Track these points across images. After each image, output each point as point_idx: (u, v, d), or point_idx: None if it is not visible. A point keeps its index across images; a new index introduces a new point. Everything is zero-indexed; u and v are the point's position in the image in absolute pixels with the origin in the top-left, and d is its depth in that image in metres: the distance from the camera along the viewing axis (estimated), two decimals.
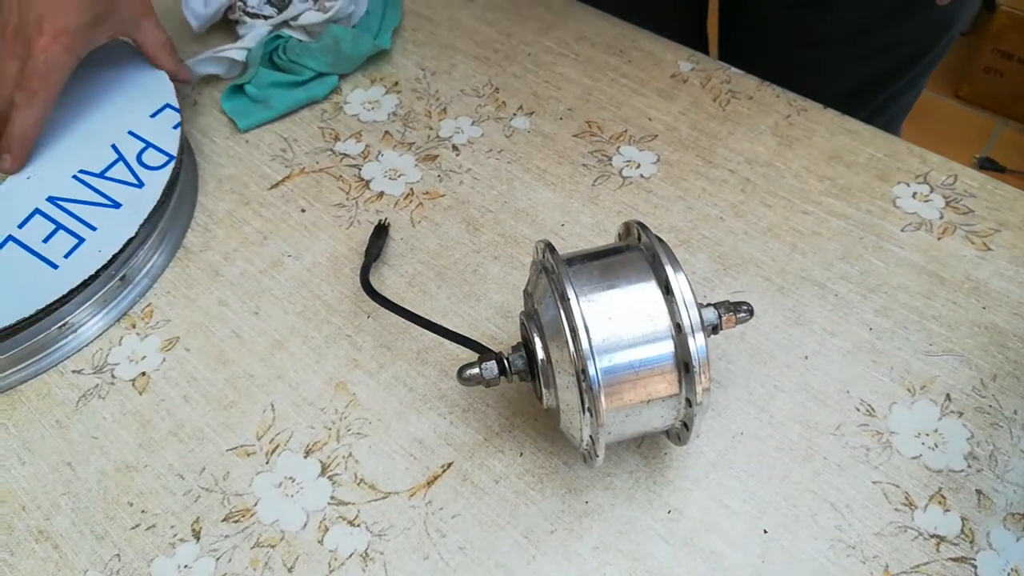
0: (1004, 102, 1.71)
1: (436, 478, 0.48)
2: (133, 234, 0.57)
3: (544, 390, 0.44)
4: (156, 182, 0.60)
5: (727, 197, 0.61)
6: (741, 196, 0.61)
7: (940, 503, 0.45)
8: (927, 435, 0.48)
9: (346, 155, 0.67)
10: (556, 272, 0.42)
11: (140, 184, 0.60)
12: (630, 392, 0.41)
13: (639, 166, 0.64)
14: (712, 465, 0.48)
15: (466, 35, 0.76)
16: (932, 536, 0.44)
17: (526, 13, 0.77)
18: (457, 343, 0.49)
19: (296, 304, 0.57)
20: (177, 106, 0.65)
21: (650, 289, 0.42)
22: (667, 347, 0.41)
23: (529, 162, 0.65)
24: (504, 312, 0.56)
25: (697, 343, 0.40)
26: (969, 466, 0.46)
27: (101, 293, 0.56)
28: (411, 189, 0.64)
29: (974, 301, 0.54)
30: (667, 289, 0.41)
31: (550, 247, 0.43)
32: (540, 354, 0.43)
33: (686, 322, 0.40)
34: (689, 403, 0.41)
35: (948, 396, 0.49)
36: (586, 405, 0.40)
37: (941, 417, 0.48)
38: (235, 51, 0.72)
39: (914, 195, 0.59)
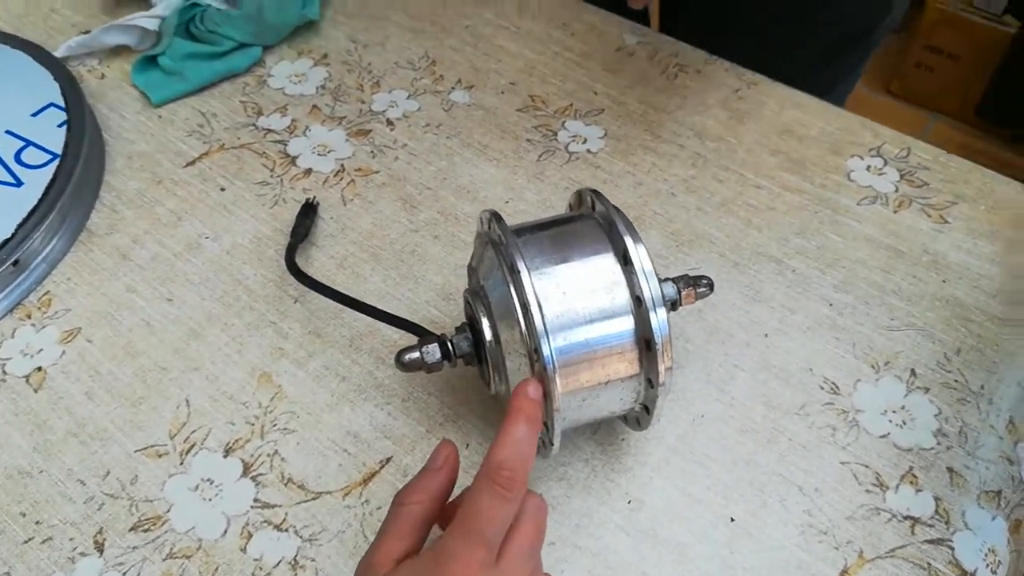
0: (935, 97, 1.75)
1: (373, 475, 0.44)
2: (10, 233, 0.51)
3: (492, 374, 0.40)
4: (37, 181, 0.54)
5: (678, 172, 0.58)
6: (692, 171, 0.58)
7: (912, 483, 0.43)
8: (894, 412, 0.46)
9: (270, 130, 0.62)
10: (504, 243, 0.38)
11: (18, 183, 0.54)
12: (587, 373, 0.37)
13: (585, 141, 0.60)
14: (672, 451, 0.44)
15: (399, 7, 0.71)
16: (906, 518, 0.42)
17: None
18: (395, 326, 0.45)
19: (214, 289, 0.52)
20: (63, 105, 0.59)
21: (607, 260, 0.38)
22: (627, 323, 0.37)
23: (470, 137, 0.61)
24: (446, 294, 0.52)
25: (659, 318, 0.36)
26: (939, 443, 0.44)
27: None
28: (342, 165, 0.59)
29: (933, 275, 0.52)
30: (625, 260, 0.37)
31: (496, 216, 0.39)
32: (487, 334, 0.39)
33: (647, 295, 0.36)
34: (651, 383, 0.38)
35: (913, 372, 0.47)
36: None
37: (907, 393, 0.46)
38: (146, 20, 0.66)
39: (868, 168, 0.58)
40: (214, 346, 0.49)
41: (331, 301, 0.50)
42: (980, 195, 0.56)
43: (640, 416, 0.40)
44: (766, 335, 0.49)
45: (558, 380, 0.36)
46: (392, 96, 0.64)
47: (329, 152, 0.60)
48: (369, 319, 0.50)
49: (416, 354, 0.40)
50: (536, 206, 0.56)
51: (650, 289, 0.36)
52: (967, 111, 1.73)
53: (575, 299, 0.37)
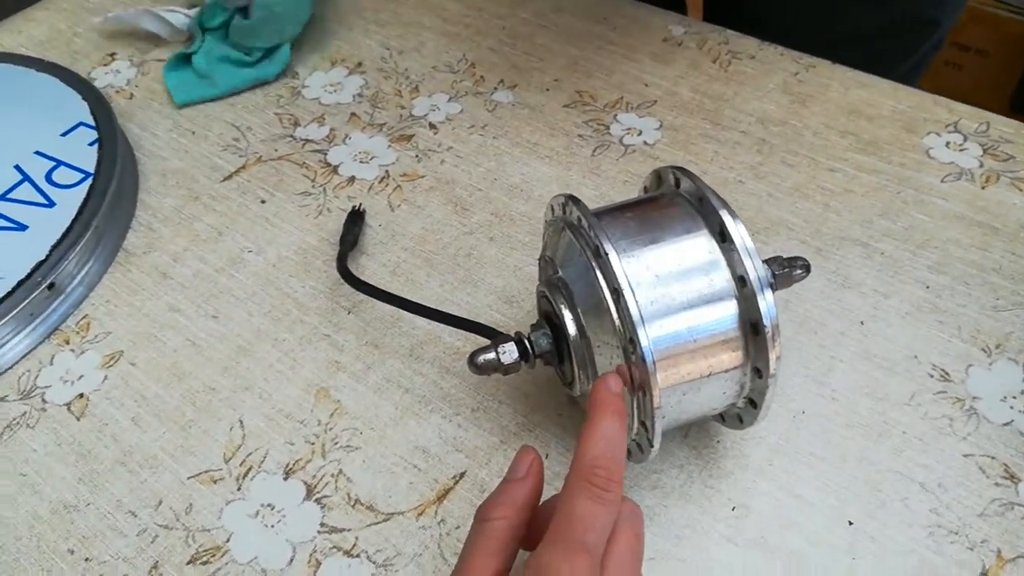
0: (967, 95, 1.70)
1: (447, 491, 0.40)
2: (44, 255, 0.48)
3: (577, 373, 0.36)
4: (70, 201, 0.52)
5: (743, 159, 0.55)
6: (759, 157, 0.55)
7: None
8: (1014, 398, 0.41)
9: (308, 140, 0.59)
10: (586, 225, 0.34)
11: (50, 203, 0.52)
12: (688, 364, 0.34)
13: (641, 133, 0.57)
14: (775, 451, 0.40)
15: (432, 12, 0.69)
16: None
17: None
18: (461, 329, 0.41)
19: (262, 304, 0.49)
20: (93, 124, 0.57)
21: (702, 239, 0.34)
22: (730, 307, 0.34)
23: (518, 136, 0.58)
24: (507, 297, 0.48)
25: (767, 300, 0.33)
26: None
27: (24, 305, 0.47)
28: (386, 172, 0.56)
29: None
30: (723, 237, 0.34)
31: (573, 199, 0.36)
32: (570, 328, 0.35)
33: (752, 275, 0.33)
34: (758, 373, 0.34)
35: None
36: (637, 383, 0.33)
37: None
38: (176, 16, 0.65)
39: (947, 145, 0.54)
40: (265, 363, 0.46)
41: (386, 310, 0.47)
42: None
43: (743, 412, 0.36)
44: (861, 323, 0.45)
45: (658, 373, 0.32)
46: (432, 100, 0.61)
47: (372, 159, 0.57)
48: (428, 326, 0.46)
49: (491, 355, 0.37)
50: (595, 201, 0.53)
51: (755, 268, 0.33)
52: (1002, 107, 1.69)
53: (670, 283, 0.33)
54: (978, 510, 0.38)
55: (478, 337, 0.40)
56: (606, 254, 0.32)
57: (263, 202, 0.55)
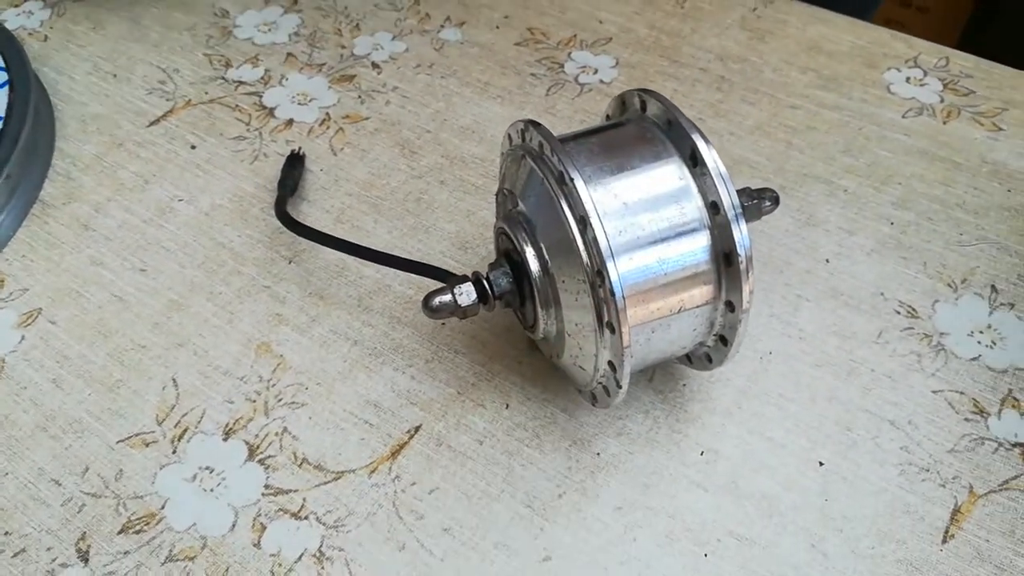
0: None
1: (402, 446, 0.37)
2: None
3: (540, 312, 0.34)
4: None
5: (703, 97, 0.52)
6: (719, 95, 0.53)
7: (1015, 406, 0.38)
8: (981, 332, 0.41)
9: (242, 82, 0.55)
10: (549, 151, 0.32)
11: None
12: (658, 300, 0.32)
13: (596, 71, 0.54)
14: (742, 393, 0.39)
15: None
16: (1015, 445, 0.37)
17: None
18: (413, 272, 0.38)
19: (195, 255, 0.45)
20: (2, 65, 0.51)
21: (671, 166, 0.32)
22: (701, 238, 0.31)
23: (467, 75, 0.55)
24: (461, 243, 0.45)
25: (742, 229, 0.31)
26: None
27: None
28: (327, 114, 0.53)
29: (996, 184, 0.47)
30: (694, 162, 0.32)
31: (534, 123, 0.33)
32: (532, 265, 0.33)
33: (726, 201, 0.31)
34: (730, 307, 0.32)
35: (993, 287, 0.42)
36: (605, 320, 0.30)
37: (992, 311, 0.41)
38: None
39: (908, 80, 0.53)
40: (200, 318, 0.42)
41: (331, 259, 0.44)
42: None
43: (712, 351, 0.35)
44: (827, 260, 0.44)
45: (627, 308, 0.30)
46: (375, 39, 0.57)
47: (311, 100, 0.53)
48: (377, 274, 0.44)
49: (447, 296, 0.34)
50: None
51: (729, 194, 0.31)
52: None
53: (639, 211, 0.31)
54: (948, 446, 0.37)
55: (431, 284, 0.37)
56: (571, 180, 0.30)
57: (193, 148, 0.51)
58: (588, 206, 0.29)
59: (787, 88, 0.53)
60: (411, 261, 0.39)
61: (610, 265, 0.29)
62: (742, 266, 0.31)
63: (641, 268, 0.31)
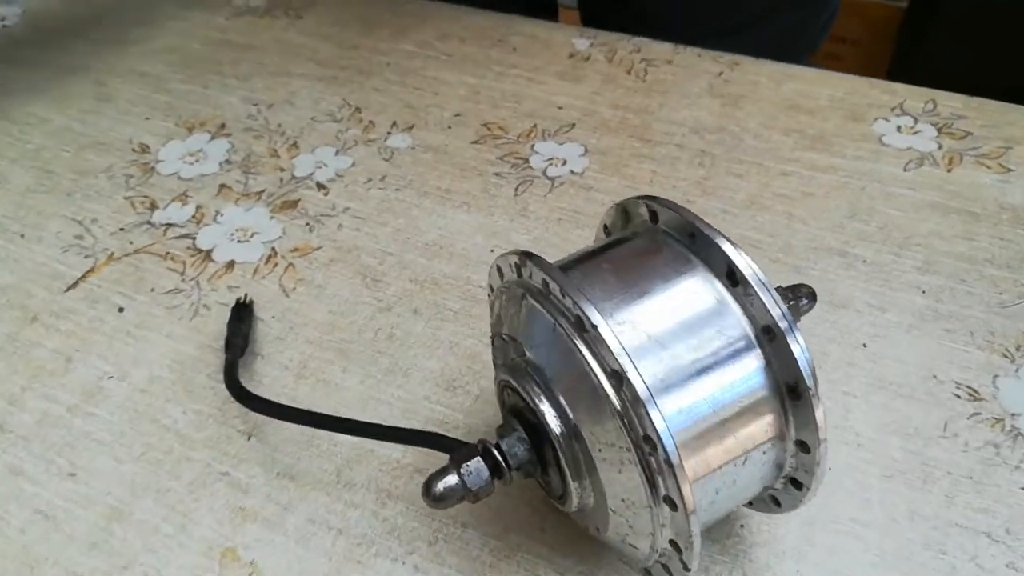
0: None
1: None
2: None
3: (572, 484, 0.27)
4: None
5: (685, 175, 0.48)
6: (701, 171, 0.48)
7: None
8: None
9: (171, 224, 0.48)
10: (558, 291, 0.26)
11: None
12: (717, 449, 0.25)
13: (565, 162, 0.50)
14: (809, 524, 0.33)
15: (301, 56, 0.60)
16: None
17: (371, 20, 0.62)
18: (401, 443, 0.32)
19: (133, 446, 0.38)
20: None
21: (703, 283, 0.27)
22: (752, 361, 0.26)
23: (425, 184, 0.49)
24: (447, 382, 0.39)
25: (802, 348, 0.25)
26: None
27: None
28: (272, 249, 0.46)
29: (1021, 231, 0.43)
30: (731, 279, 0.26)
31: (529, 255, 0.27)
32: (554, 427, 0.27)
33: (780, 321, 0.25)
34: (804, 447, 0.26)
35: None
36: (662, 494, 0.24)
37: None
38: None
39: (899, 129, 0.49)
40: (147, 527, 0.35)
41: (298, 427, 0.37)
42: None
43: (781, 494, 0.29)
44: (864, 345, 0.39)
45: (687, 470, 0.24)
46: (316, 156, 0.52)
47: (252, 236, 0.47)
48: (355, 438, 0.37)
49: (453, 479, 0.28)
50: (531, 248, 0.44)
51: (780, 311, 0.25)
52: None
53: (676, 347, 0.25)
54: None
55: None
56: (594, 327, 0.24)
57: (121, 310, 0.44)
58: (622, 359, 0.23)
59: (773, 154, 0.48)
60: (396, 429, 0.32)
61: (661, 428, 0.23)
62: (811, 393, 0.25)
63: (692, 418, 0.25)
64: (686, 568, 0.25)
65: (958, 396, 0.36)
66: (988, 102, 0.50)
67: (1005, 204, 0.44)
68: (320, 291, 0.44)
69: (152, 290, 0.45)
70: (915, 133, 0.49)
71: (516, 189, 0.48)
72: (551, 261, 0.28)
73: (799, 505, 0.28)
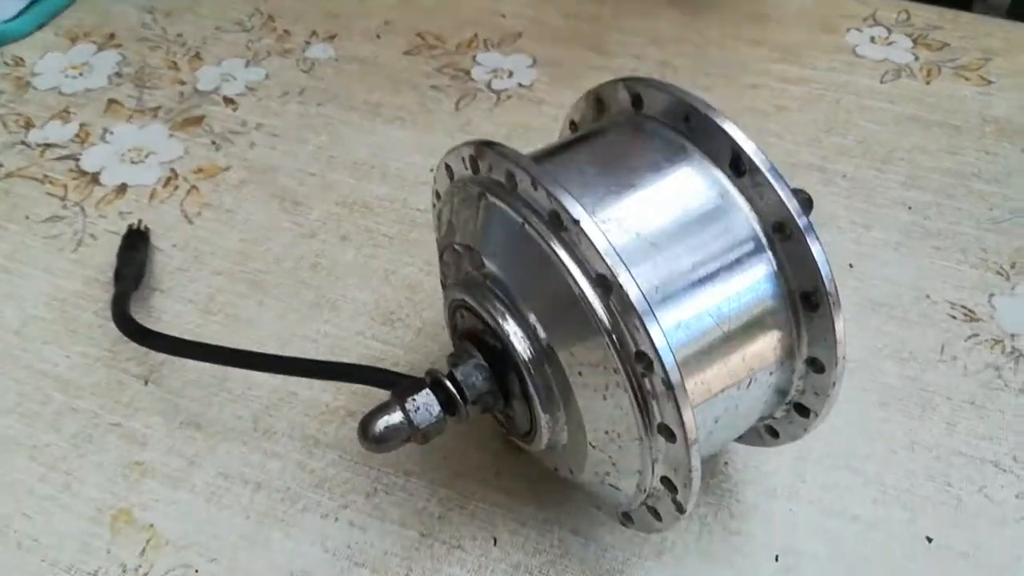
0: None
1: None
2: None
3: (542, 417, 0.22)
4: None
5: None
6: None
7: None
8: None
9: (50, 144, 0.41)
10: (528, 183, 0.21)
11: None
12: (719, 368, 0.21)
13: (511, 74, 0.44)
14: (802, 459, 0.29)
15: None
16: None
17: None
18: (333, 380, 0.27)
19: (5, 396, 0.31)
20: None
21: (702, 174, 0.22)
22: (763, 268, 0.21)
23: (351, 98, 0.43)
24: (384, 315, 0.34)
25: (822, 249, 0.21)
26: None
27: None
28: (172, 171, 0.40)
29: (1007, 144, 0.40)
30: (736, 168, 0.22)
31: (489, 144, 0.22)
32: (521, 350, 0.22)
33: (796, 215, 0.21)
34: (816, 366, 0.22)
35: None
36: (656, 422, 0.20)
37: None
38: None
39: (872, 40, 0.45)
40: (21, 489, 0.29)
41: (204, 367, 0.31)
42: (1010, 46, 0.45)
43: (781, 423, 0.25)
44: (851, 265, 0.35)
45: (687, 392, 0.19)
46: (223, 68, 0.45)
47: (148, 156, 0.40)
48: (275, 380, 0.31)
49: (397, 416, 0.22)
50: None
51: (792, 205, 0.21)
52: None
53: (673, 249, 0.21)
54: None
55: (357, 385, 0.25)
56: (575, 222, 0.19)
57: None
58: (611, 260, 0.19)
59: (741, 66, 0.44)
60: (325, 364, 0.27)
61: (660, 344, 0.18)
62: (833, 305, 0.21)
63: (693, 330, 0.20)
64: (680, 509, 0.21)
65: (953, 317, 0.33)
66: (962, 14, 0.47)
67: (988, 117, 0.41)
68: (230, 216, 0.37)
69: (27, 218, 0.37)
70: (890, 44, 0.45)
71: (457, 103, 0.43)
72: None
73: (802, 434, 0.24)
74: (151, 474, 0.29)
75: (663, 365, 0.18)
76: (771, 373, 0.22)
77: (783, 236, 0.21)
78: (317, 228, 0.37)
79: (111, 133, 0.41)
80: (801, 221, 0.20)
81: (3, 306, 0.34)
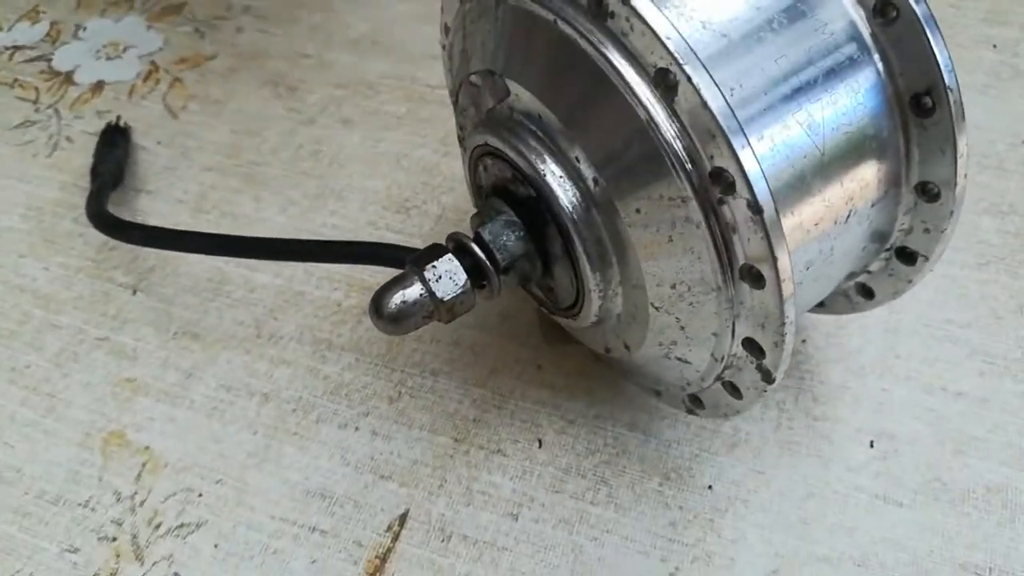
0: None
1: (385, 555, 0.22)
2: None
3: (591, 278, 0.18)
4: None
5: None
6: None
7: None
8: None
9: (19, 47, 0.37)
10: None
11: None
12: (814, 199, 0.17)
13: None
14: (893, 331, 0.25)
15: None
16: None
17: None
18: (345, 262, 0.23)
19: None
20: None
21: None
22: (866, 67, 0.17)
23: None
24: (398, 203, 0.30)
25: (939, 36, 0.16)
26: None
27: None
28: (152, 64, 0.35)
29: None
30: None
31: None
32: (563, 194, 0.17)
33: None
34: (928, 192, 0.18)
35: None
36: (740, 263, 0.15)
37: None
38: None
39: None
40: (2, 415, 0.25)
41: (198, 270, 0.28)
42: None
43: (878, 277, 0.20)
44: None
45: (783, 221, 0.15)
46: None
47: (126, 50, 0.36)
48: (278, 281, 0.27)
49: (414, 287, 0.18)
50: None
51: None
52: None
53: (753, 44, 0.16)
54: None
55: (377, 274, 0.21)
56: (624, 2, 0.14)
57: None
58: (673, 42, 0.14)
59: None
60: (332, 243, 0.23)
61: (744, 155, 0.14)
62: (954, 105, 0.16)
63: (782, 147, 0.16)
64: (767, 378, 0.17)
65: None
66: None
67: None
68: (219, 108, 0.33)
69: None
70: None
71: None
72: None
73: (905, 288, 0.20)
74: (144, 391, 0.26)
75: (748, 183, 0.14)
76: (873, 205, 0.17)
77: (886, 20, 0.16)
78: (316, 114, 0.33)
79: (84, 29, 0.37)
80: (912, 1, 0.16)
81: None
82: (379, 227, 0.29)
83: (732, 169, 0.14)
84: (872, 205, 0.17)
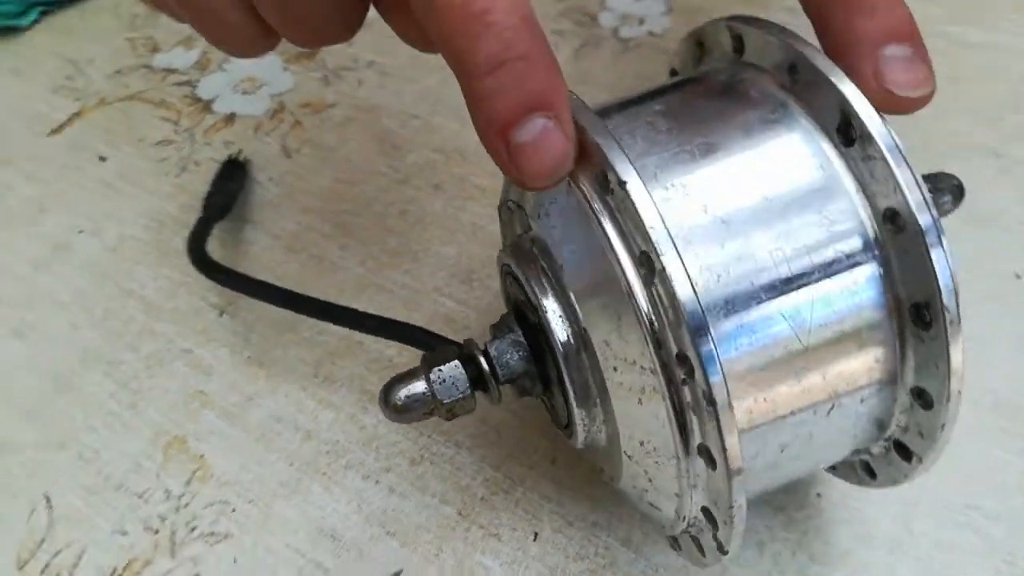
0: None
1: None
2: None
3: (576, 412, 0.20)
4: None
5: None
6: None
7: None
8: None
9: (172, 70, 0.42)
10: (584, 132, 0.17)
11: None
12: (791, 385, 0.17)
13: (642, 21, 0.40)
14: (913, 506, 0.24)
15: None
16: None
17: None
18: (380, 336, 0.25)
19: (92, 310, 0.32)
20: None
21: (802, 139, 0.18)
22: (867, 273, 0.17)
23: None
24: (465, 273, 0.32)
25: (945, 251, 0.16)
26: None
27: None
28: (280, 103, 0.39)
29: None
30: (846, 137, 0.17)
31: None
32: (558, 330, 0.19)
33: (915, 207, 0.16)
34: (923, 399, 0.18)
35: None
36: (695, 443, 0.16)
37: None
38: None
39: None
40: (93, 401, 0.29)
41: (281, 309, 0.31)
42: None
43: (878, 461, 0.20)
44: (1017, 276, 0.29)
45: (736, 415, 0.16)
46: None
47: (260, 88, 0.40)
48: (346, 328, 0.30)
49: (420, 385, 0.20)
50: None
51: (915, 187, 0.16)
52: None
53: (750, 231, 0.17)
54: None
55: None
56: (622, 184, 0.16)
57: (103, 160, 0.38)
58: (656, 235, 0.15)
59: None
60: (376, 318, 0.25)
61: (704, 348, 0.15)
62: (951, 325, 0.16)
63: (760, 334, 0.17)
64: (721, 550, 0.17)
65: None
66: None
67: None
68: (328, 154, 0.37)
69: (140, 140, 0.38)
70: None
71: (577, 51, 0.39)
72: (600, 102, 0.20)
73: (903, 480, 0.20)
74: (211, 405, 0.29)
75: (705, 375, 0.15)
76: (862, 400, 0.18)
77: (895, 228, 0.17)
78: (412, 174, 0.35)
79: (229, 62, 0.42)
80: (919, 213, 0.16)
81: (105, 223, 0.35)
82: (443, 293, 0.31)
83: (692, 357, 0.15)
84: (861, 400, 0.18)
